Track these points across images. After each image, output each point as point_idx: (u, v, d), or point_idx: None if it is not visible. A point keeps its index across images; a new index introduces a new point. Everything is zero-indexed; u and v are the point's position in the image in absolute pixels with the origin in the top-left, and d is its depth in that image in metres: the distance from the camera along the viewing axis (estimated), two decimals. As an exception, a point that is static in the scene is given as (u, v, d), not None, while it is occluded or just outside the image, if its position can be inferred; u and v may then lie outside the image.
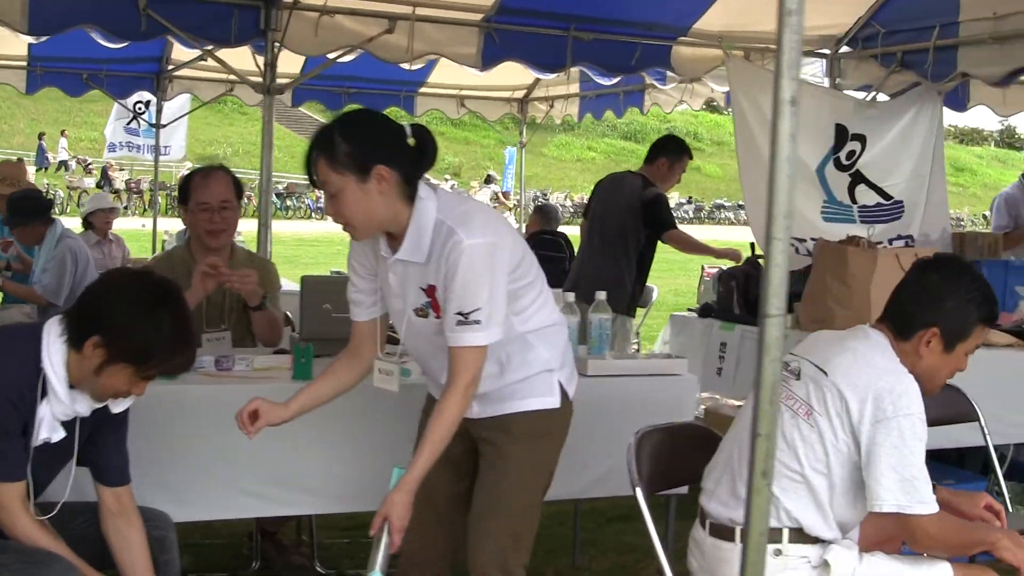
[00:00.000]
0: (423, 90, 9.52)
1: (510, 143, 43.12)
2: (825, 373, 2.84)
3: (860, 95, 6.97)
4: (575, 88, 9.22)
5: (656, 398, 3.85)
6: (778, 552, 2.78)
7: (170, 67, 9.01)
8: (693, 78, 7.42)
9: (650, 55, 6.63)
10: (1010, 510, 3.91)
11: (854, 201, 6.50)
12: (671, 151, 6.42)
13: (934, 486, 2.77)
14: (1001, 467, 5.13)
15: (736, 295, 5.76)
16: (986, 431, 4.10)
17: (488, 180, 31.09)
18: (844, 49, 7.02)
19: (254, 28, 5.75)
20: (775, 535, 2.79)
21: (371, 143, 2.80)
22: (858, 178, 6.54)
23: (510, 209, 30.78)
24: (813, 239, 6.00)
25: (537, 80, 9.10)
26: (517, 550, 2.98)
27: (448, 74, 8.57)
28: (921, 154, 6.70)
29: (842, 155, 6.48)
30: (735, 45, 6.63)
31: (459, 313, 2.78)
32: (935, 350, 2.89)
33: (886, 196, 6.61)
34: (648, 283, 9.40)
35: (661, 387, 3.92)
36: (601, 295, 4.10)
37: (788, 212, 1.84)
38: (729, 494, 2.90)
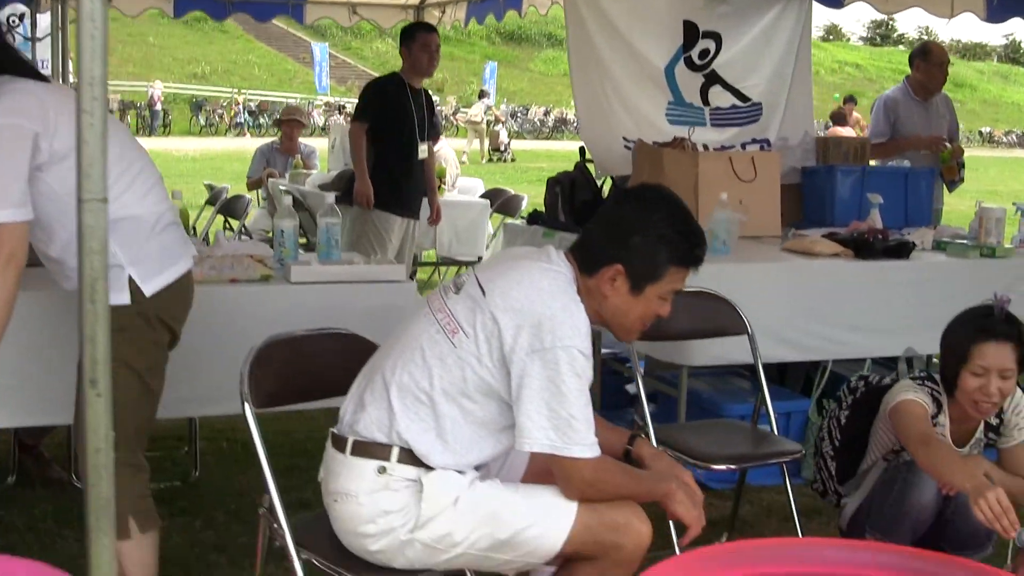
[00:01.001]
0: (313, -2, 9.13)
1: (495, 58, 42.71)
2: (484, 293, 2.55)
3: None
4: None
5: (372, 306, 3.59)
6: (382, 470, 2.52)
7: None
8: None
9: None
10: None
11: (706, 103, 6.13)
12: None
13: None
14: (819, 383, 4.92)
15: (561, 201, 5.47)
16: (756, 346, 3.82)
17: (481, 95, 30.67)
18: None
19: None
20: (383, 451, 2.53)
21: None
22: (712, 79, 6.17)
23: (502, 122, 30.38)
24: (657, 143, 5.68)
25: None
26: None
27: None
28: (785, 54, 6.32)
29: (694, 54, 6.09)
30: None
31: None
32: (620, 290, 2.60)
33: (743, 98, 6.24)
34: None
35: (378, 294, 3.65)
36: (330, 197, 3.83)
37: (96, 79, 1.56)
38: (354, 400, 2.65)
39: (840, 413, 3.56)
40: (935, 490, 3.22)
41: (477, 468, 2.62)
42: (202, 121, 34.74)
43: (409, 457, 2.53)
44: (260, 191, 9.25)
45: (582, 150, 5.70)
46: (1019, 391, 3.42)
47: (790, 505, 3.59)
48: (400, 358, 2.59)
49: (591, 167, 5.56)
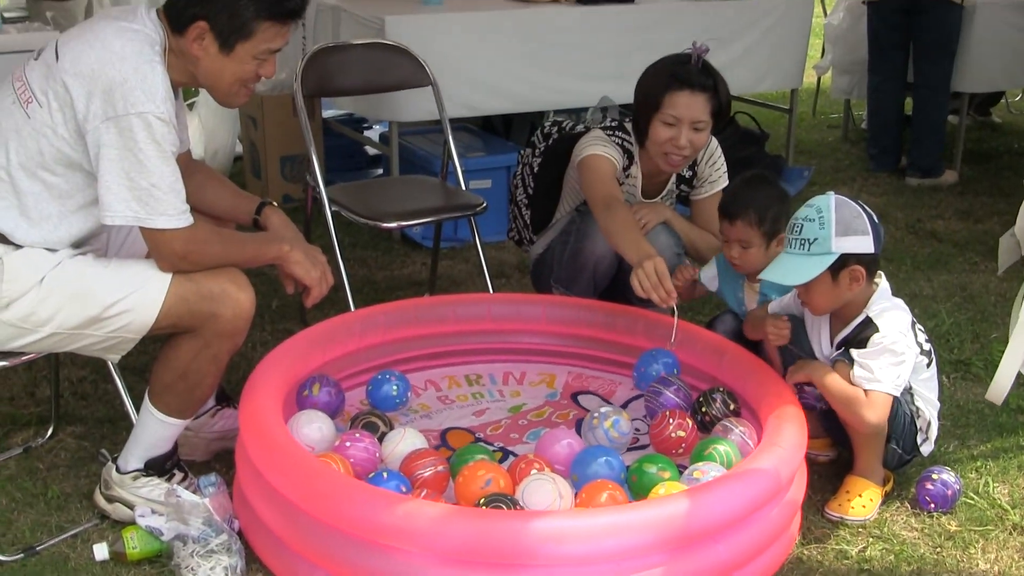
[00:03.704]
0: None
1: None
2: (58, 57, 2.31)
3: None
4: None
5: None
6: None
7: None
8: None
9: None
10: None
11: None
12: None
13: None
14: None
15: None
16: (440, 99, 3.59)
17: None
18: None
19: None
20: None
21: None
22: None
23: None
24: None
25: None
26: None
27: None
28: None
29: None
30: None
31: None
32: (209, 50, 2.36)
33: None
34: None
35: None
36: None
37: None
38: None
39: (533, 160, 3.38)
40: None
41: (78, 245, 2.42)
42: None
43: None
44: None
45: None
46: (714, 143, 3.30)
47: (480, 260, 3.46)
48: None
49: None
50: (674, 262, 3.08)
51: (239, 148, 5.20)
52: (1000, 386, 1.98)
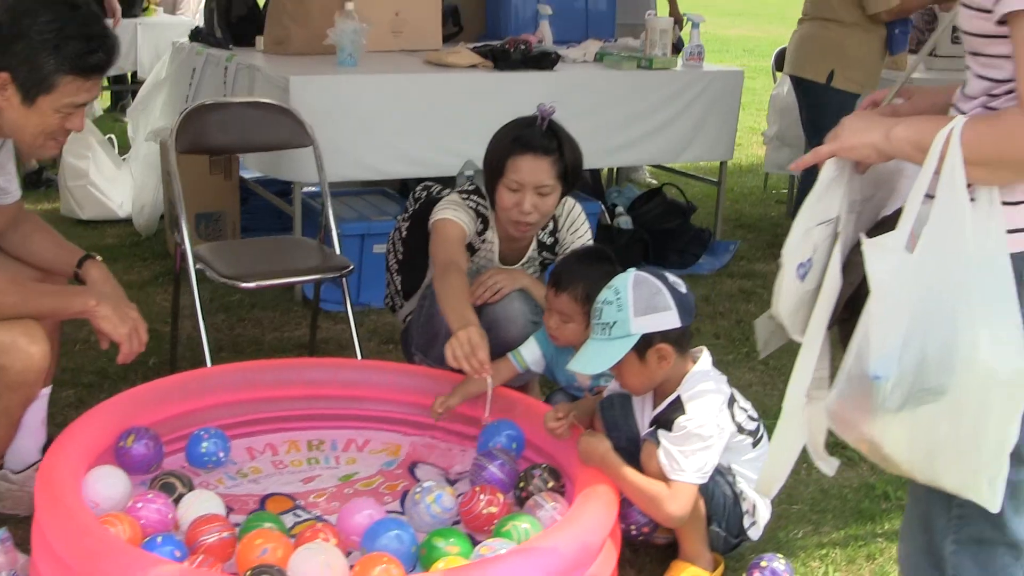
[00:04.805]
0: None
1: None
2: None
3: None
4: None
5: None
6: None
7: None
8: None
9: None
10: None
11: None
12: None
13: None
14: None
15: (217, 17, 5.09)
16: (321, 162, 3.56)
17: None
18: None
19: None
20: None
21: None
22: None
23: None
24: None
25: None
26: None
27: None
28: None
29: None
30: None
31: None
32: (12, 101, 2.36)
33: None
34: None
35: None
36: None
37: None
38: None
39: (403, 225, 3.34)
40: (463, 305, 3.07)
41: None
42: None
43: None
44: None
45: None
46: (577, 208, 3.24)
47: (349, 326, 3.41)
48: None
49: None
50: (529, 330, 3.01)
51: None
52: (769, 478, 1.88)
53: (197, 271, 3.27)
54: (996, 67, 1.61)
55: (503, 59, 4.47)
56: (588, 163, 4.87)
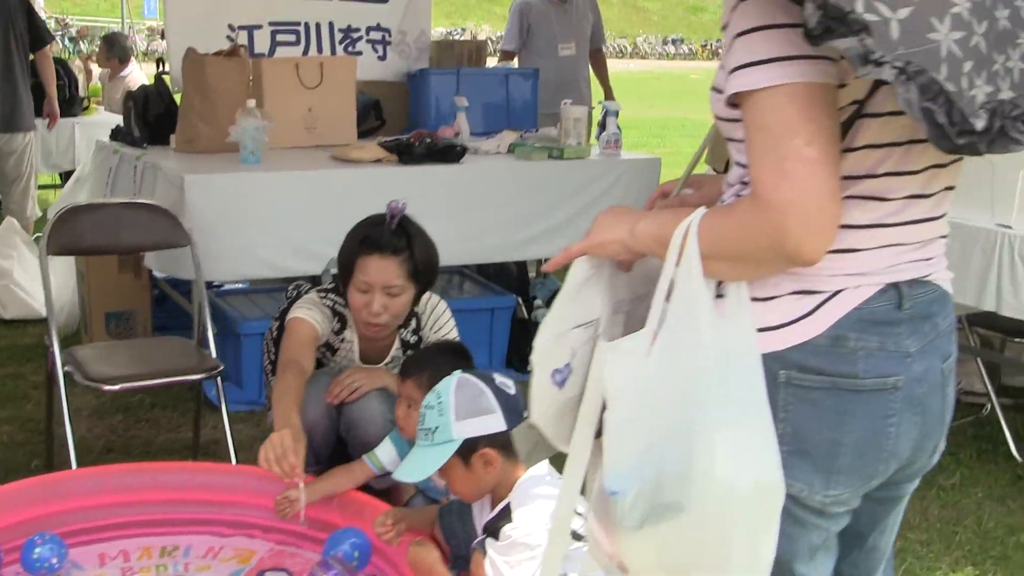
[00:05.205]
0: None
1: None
2: None
3: None
4: None
5: None
6: None
7: None
8: None
9: None
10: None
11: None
12: None
13: None
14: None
15: (135, 116, 5.10)
16: (197, 260, 3.54)
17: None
18: None
19: None
20: None
21: None
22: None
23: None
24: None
25: None
26: None
27: None
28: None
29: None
30: None
31: None
32: None
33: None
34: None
35: None
36: None
37: None
38: None
39: (274, 325, 3.30)
40: (323, 406, 3.01)
41: None
42: None
43: None
44: None
45: (159, 61, 5.34)
46: (441, 305, 3.20)
47: (224, 428, 3.34)
48: None
49: (167, 79, 5.19)
50: (388, 430, 2.95)
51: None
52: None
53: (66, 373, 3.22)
54: (744, 152, 1.47)
55: (407, 153, 4.46)
56: (498, 257, 4.93)
